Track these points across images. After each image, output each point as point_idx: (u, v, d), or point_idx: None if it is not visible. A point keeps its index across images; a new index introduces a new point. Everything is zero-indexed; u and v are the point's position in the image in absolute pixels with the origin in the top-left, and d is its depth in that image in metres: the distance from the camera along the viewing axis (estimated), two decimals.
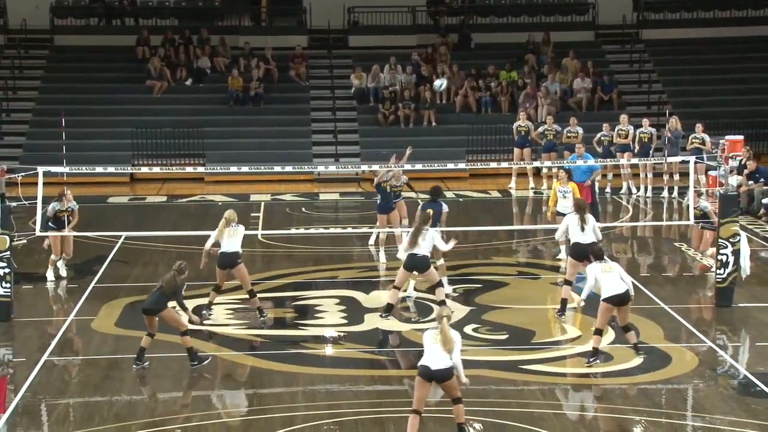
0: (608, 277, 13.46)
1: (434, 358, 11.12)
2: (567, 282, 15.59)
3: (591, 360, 13.51)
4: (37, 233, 18.35)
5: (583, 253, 14.85)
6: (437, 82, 27.22)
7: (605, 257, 13.83)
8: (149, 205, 26.62)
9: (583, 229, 15.45)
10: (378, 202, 19.38)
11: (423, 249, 15.37)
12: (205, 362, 13.91)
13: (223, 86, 32.62)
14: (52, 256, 18.27)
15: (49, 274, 18.19)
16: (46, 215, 18.27)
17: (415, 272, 15.71)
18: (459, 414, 11.40)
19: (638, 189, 26.26)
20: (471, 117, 31.73)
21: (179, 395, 13.05)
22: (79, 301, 16.90)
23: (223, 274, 15.75)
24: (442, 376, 11.14)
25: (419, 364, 11.30)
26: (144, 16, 35.07)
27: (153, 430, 11.86)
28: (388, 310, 15.69)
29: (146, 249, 20.25)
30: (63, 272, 18.36)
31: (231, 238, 15.57)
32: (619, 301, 13.43)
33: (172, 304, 13.90)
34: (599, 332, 13.54)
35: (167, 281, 13.86)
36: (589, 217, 15.71)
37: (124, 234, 20.83)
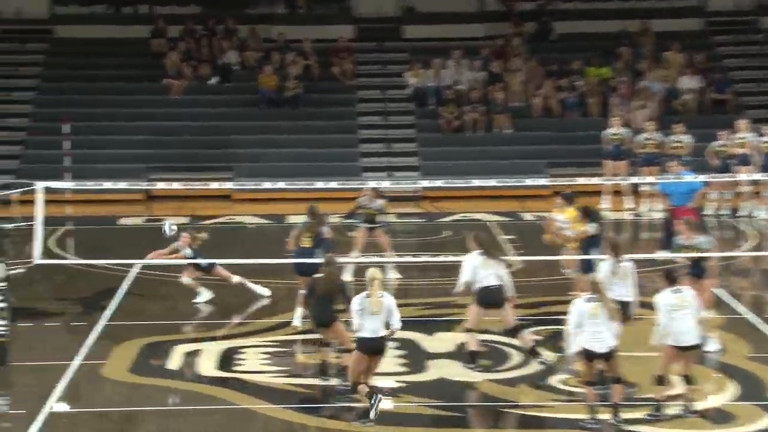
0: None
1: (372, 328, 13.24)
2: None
3: None
4: (36, 261, 18.55)
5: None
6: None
7: None
8: None
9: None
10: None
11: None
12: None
13: (253, 85, 32.90)
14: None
15: None
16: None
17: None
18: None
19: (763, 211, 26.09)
20: (553, 122, 31.73)
21: None
22: (86, 342, 17.05)
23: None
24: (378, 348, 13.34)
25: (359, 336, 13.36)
26: (160, 2, 35.45)
27: None
28: (473, 358, 15.76)
29: (166, 280, 20.39)
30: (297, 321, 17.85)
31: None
32: None
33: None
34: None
35: (324, 281, 14.34)
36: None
37: (139, 262, 20.98)
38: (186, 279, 19.25)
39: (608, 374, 13.46)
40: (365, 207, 20.68)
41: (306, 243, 17.49)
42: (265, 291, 19.47)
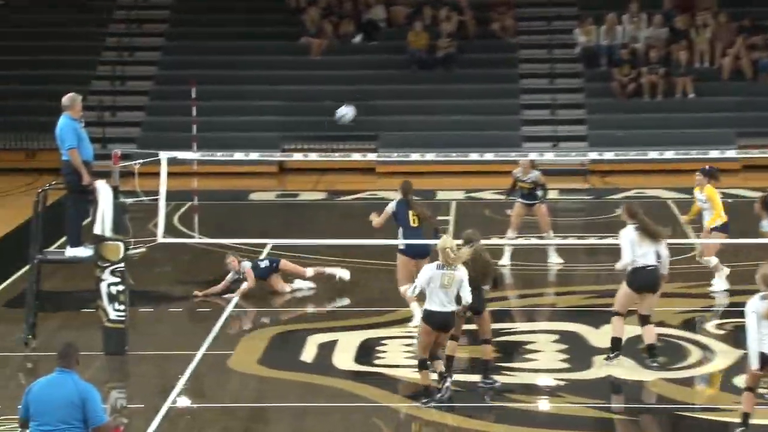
0: None
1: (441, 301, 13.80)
2: None
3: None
4: (158, 239, 18.88)
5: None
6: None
7: None
8: (303, 203, 27.09)
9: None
10: None
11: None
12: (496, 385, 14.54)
13: (401, 44, 32.99)
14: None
15: None
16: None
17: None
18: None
19: None
20: (744, 86, 31.27)
21: None
22: (211, 331, 17.37)
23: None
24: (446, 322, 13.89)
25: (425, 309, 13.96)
26: None
27: None
28: (615, 348, 15.68)
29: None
30: None
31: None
32: None
33: None
34: None
35: (472, 263, 14.39)
36: None
37: (271, 242, 21.25)
38: (283, 288, 19.37)
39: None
40: (519, 180, 20.70)
41: (414, 223, 17.47)
42: (346, 273, 19.57)
